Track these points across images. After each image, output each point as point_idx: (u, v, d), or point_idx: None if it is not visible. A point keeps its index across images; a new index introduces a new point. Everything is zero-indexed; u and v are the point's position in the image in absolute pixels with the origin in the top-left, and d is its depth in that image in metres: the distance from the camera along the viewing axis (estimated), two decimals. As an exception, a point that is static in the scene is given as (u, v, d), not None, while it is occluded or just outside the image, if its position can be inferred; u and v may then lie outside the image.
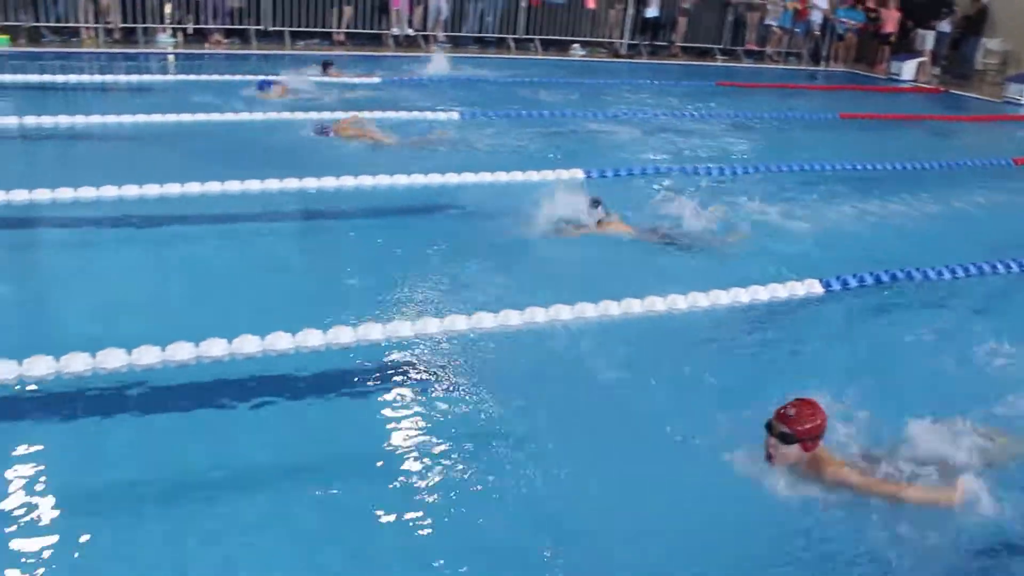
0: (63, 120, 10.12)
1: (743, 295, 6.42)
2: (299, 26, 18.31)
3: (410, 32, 19.03)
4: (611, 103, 14.22)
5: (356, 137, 10.09)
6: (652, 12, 20.45)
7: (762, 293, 6.49)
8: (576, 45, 20.33)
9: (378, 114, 11.25)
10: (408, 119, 11.42)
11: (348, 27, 18.74)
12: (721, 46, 21.65)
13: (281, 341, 5.16)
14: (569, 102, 13.90)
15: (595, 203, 7.53)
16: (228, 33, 18.04)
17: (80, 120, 10.18)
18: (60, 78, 13.08)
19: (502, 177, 9.02)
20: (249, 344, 5.09)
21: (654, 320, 6.01)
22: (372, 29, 18.96)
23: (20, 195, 7.46)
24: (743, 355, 5.73)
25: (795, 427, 4.04)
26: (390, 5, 18.71)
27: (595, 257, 7.06)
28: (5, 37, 16.28)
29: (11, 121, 9.84)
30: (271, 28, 18.13)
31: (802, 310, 6.45)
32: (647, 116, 13.25)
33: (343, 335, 5.33)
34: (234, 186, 8.02)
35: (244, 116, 10.88)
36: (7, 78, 12.35)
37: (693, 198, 8.03)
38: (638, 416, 4.81)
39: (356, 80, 14.08)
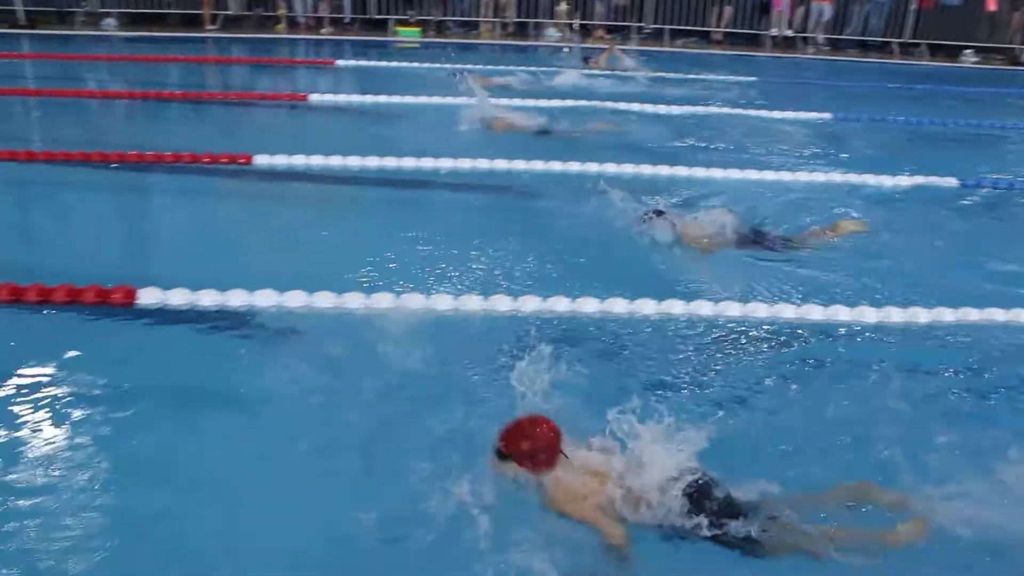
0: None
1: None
2: (679, 24, 18.80)
3: (789, 33, 18.85)
4: (998, 113, 13.22)
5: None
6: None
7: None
8: (968, 51, 18.97)
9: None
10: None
11: (727, 26, 18.95)
12: None
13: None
14: (949, 109, 13.14)
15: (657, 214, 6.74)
16: (610, 29, 18.97)
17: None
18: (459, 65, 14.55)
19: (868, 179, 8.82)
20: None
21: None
22: (751, 29, 19.02)
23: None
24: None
25: (506, 442, 3.61)
26: (771, 5, 18.65)
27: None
28: (417, 29, 18.36)
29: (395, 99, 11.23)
30: (652, 26, 18.80)
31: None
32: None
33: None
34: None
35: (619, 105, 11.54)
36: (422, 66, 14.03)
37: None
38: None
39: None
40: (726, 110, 11.74)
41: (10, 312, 5.59)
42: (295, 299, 5.67)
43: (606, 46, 15.27)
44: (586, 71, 14.19)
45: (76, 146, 8.88)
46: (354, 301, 5.66)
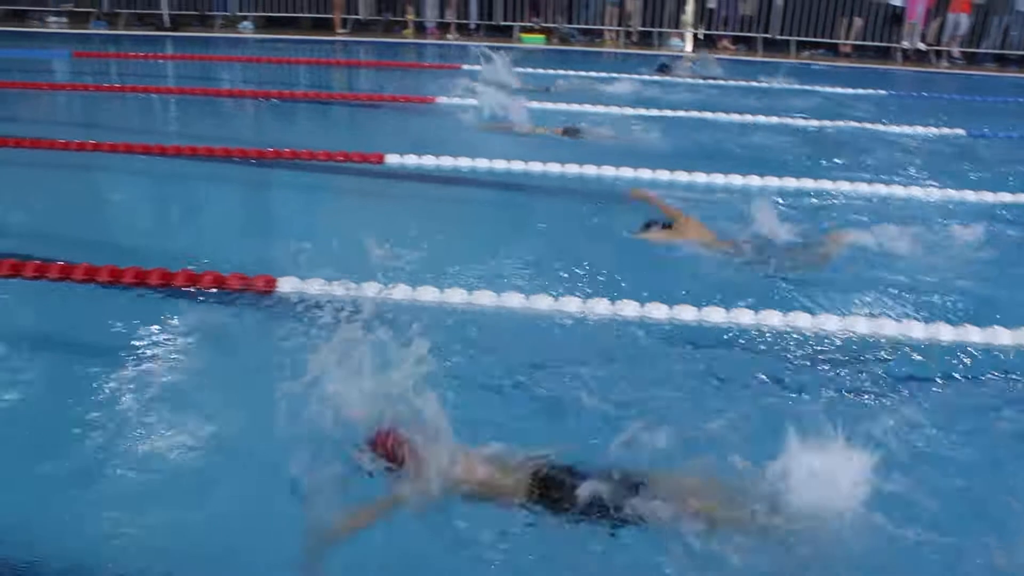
0: (592, 108, 11.46)
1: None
2: (806, 35, 18.46)
3: (921, 47, 18.29)
4: None
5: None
6: None
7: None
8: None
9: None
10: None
11: (856, 39, 18.51)
12: None
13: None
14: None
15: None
16: (735, 40, 18.75)
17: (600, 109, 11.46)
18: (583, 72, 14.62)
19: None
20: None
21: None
22: (881, 42, 18.53)
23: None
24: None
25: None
26: (904, 17, 18.14)
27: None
28: (542, 36, 18.53)
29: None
30: (778, 37, 18.51)
31: None
32: None
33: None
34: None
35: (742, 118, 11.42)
36: (540, 71, 14.17)
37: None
38: None
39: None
40: (851, 124, 11.46)
41: (160, 295, 5.92)
42: (426, 294, 5.83)
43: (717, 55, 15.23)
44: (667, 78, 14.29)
45: (216, 142, 9.32)
46: (484, 298, 5.79)
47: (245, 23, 18.86)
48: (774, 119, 11.41)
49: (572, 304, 5.71)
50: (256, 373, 4.72)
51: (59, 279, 6.03)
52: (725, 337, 5.45)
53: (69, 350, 5.23)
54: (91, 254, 6.40)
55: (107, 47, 16.82)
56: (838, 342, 5.43)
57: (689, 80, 14.28)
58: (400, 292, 5.83)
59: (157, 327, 5.55)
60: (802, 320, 5.56)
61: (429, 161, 8.79)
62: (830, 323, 5.55)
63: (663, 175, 8.58)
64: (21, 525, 3.61)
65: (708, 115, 11.42)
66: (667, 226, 6.75)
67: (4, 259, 6.16)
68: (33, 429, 4.36)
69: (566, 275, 6.20)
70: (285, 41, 17.64)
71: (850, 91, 14.01)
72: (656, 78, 14.20)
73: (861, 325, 5.54)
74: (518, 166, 8.70)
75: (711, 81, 14.30)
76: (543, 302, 5.73)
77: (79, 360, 5.09)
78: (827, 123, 11.39)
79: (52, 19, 19.35)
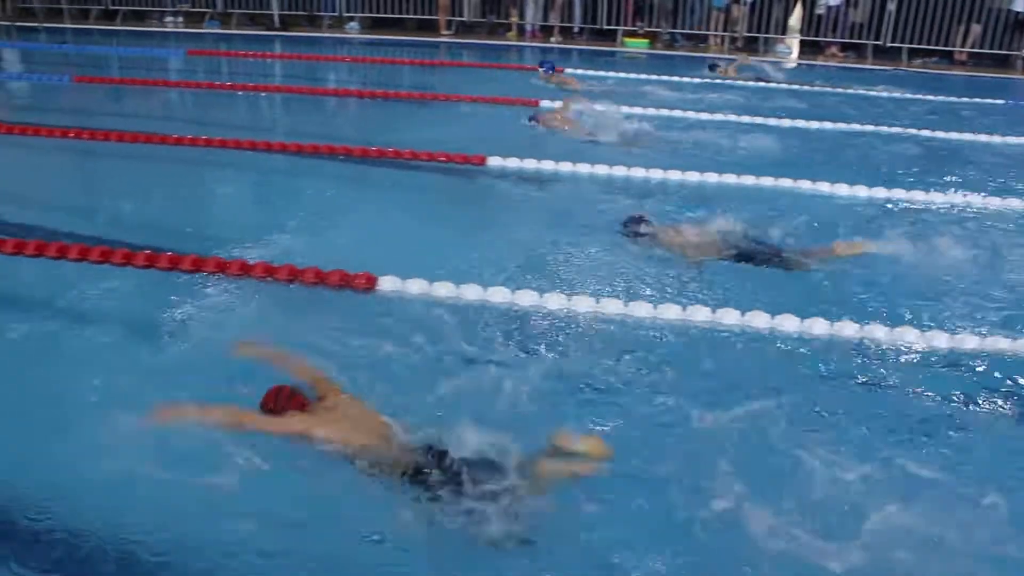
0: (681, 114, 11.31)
1: None
2: (919, 43, 17.85)
3: (1045, 55, 17.49)
4: None
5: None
6: None
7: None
8: None
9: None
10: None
11: (973, 46, 17.81)
12: None
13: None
14: None
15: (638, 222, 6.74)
16: (844, 47, 18.25)
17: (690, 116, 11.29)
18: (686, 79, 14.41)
19: None
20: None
21: None
22: (1000, 50, 17.79)
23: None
24: None
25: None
26: (1027, 23, 17.37)
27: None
28: (646, 41, 18.38)
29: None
30: (889, 44, 17.95)
31: None
32: None
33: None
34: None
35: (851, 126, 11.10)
36: (646, 76, 14.05)
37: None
38: None
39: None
40: (965, 135, 11.02)
41: (263, 285, 6.05)
42: (525, 298, 5.82)
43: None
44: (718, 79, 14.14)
45: (321, 140, 9.49)
46: (582, 304, 5.75)
47: (352, 24, 19.19)
48: (884, 128, 11.05)
49: (671, 311, 5.65)
50: (355, 370, 4.77)
51: (168, 268, 6.24)
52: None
53: (179, 336, 5.37)
54: (198, 245, 6.60)
55: (219, 46, 17.32)
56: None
57: (790, 87, 13.95)
58: (499, 295, 5.84)
59: (262, 319, 5.70)
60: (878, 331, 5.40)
61: (530, 164, 8.79)
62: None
63: (766, 181, 8.45)
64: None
65: (809, 124, 11.13)
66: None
67: (119, 248, 6.41)
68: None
69: (674, 285, 6.16)
70: (390, 42, 17.89)
71: (965, 100, 13.47)
72: (759, 84, 13.93)
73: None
74: (620, 172, 8.64)
75: (816, 88, 13.98)
76: (642, 309, 5.68)
77: (178, 345, 5.24)
78: (940, 134, 10.98)
79: (169, 19, 20.05)
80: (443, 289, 5.92)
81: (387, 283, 6.00)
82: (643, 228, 6.69)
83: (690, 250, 6.54)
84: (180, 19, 20.02)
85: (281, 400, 4.15)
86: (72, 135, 9.78)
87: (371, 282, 6.01)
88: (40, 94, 13.50)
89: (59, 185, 8.83)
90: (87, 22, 20.06)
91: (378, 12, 19.26)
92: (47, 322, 5.61)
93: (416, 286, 5.97)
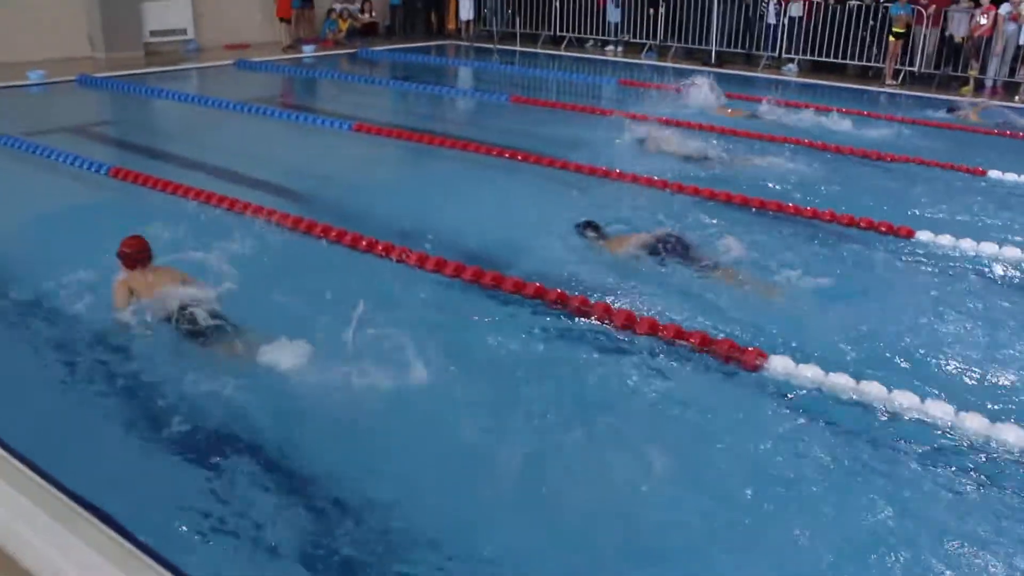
0: None
1: None
2: None
3: None
4: None
5: None
6: None
7: None
8: None
9: None
10: None
11: None
12: None
13: None
14: None
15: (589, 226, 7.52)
16: None
17: None
18: None
19: None
20: None
21: None
22: None
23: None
24: None
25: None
26: None
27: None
28: None
29: None
30: None
31: None
32: None
33: None
34: None
35: None
36: None
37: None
38: None
39: None
40: None
41: (642, 341, 5.74)
42: (938, 409, 4.96)
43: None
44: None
45: (718, 186, 9.09)
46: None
47: (790, 66, 18.50)
48: None
49: None
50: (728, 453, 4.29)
51: (554, 305, 6.18)
52: None
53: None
54: (572, 288, 6.49)
55: (651, 77, 17.47)
56: None
57: None
58: (906, 399, 5.03)
59: (637, 373, 5.42)
60: None
61: (967, 245, 7.65)
62: None
63: None
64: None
65: None
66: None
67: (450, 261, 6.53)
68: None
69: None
70: (826, 88, 16.92)
71: None
72: None
73: None
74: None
75: None
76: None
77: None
78: None
79: (609, 47, 20.72)
80: (841, 380, 5.23)
81: (778, 363, 5.42)
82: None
83: None
84: (620, 48, 20.60)
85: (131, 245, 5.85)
86: (507, 155, 10.33)
87: (760, 359, 5.47)
88: (480, 111, 14.48)
89: (484, 202, 9.17)
90: (535, 46, 21.33)
91: (820, 55, 18.36)
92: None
93: (810, 372, 5.33)
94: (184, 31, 19.67)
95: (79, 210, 7.56)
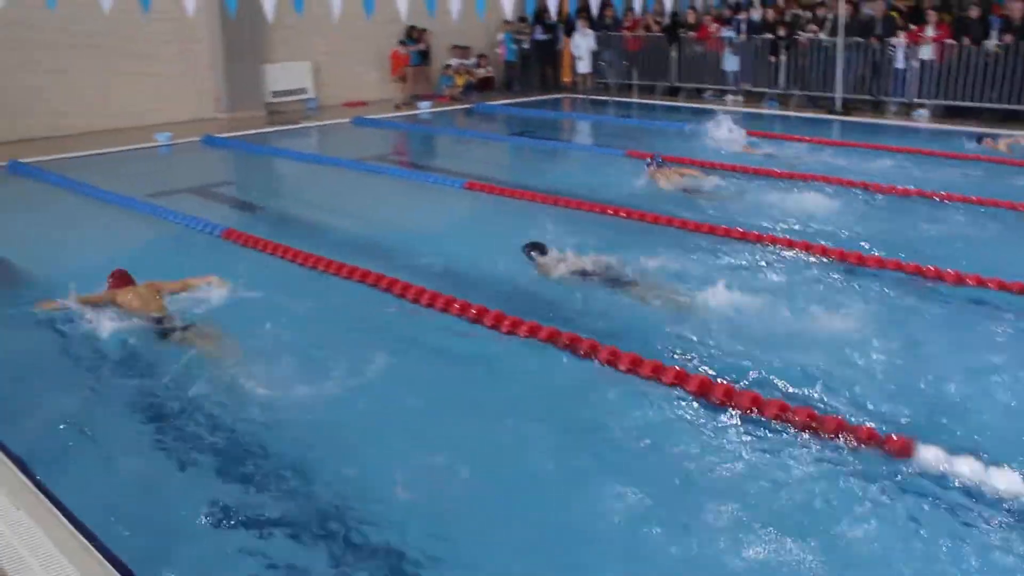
0: None
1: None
2: None
3: None
4: None
5: None
6: None
7: None
8: None
9: None
10: None
11: None
12: None
13: None
14: None
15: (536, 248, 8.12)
16: None
17: None
18: None
19: None
20: None
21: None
22: None
23: None
24: None
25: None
26: None
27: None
28: None
29: None
30: None
31: None
32: None
33: None
34: None
35: None
36: None
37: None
38: None
39: None
40: None
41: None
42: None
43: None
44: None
45: (875, 245, 8.44)
46: None
47: (920, 111, 17.55)
48: None
49: None
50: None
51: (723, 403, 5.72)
52: None
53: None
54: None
55: (772, 127, 16.83)
56: None
57: None
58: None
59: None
60: None
61: None
62: None
63: None
64: None
65: None
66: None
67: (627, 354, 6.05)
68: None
69: None
70: (961, 133, 15.76)
71: None
72: None
73: None
74: None
75: None
76: None
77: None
78: None
79: (729, 97, 20.18)
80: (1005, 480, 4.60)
81: (929, 454, 4.82)
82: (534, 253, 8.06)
83: None
84: (740, 98, 20.03)
85: (115, 276, 7.11)
86: (620, 212, 10.06)
87: (907, 449, 4.88)
88: (594, 165, 14.16)
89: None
90: (652, 97, 20.97)
91: (955, 99, 17.36)
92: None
93: (967, 466, 4.72)
94: (304, 90, 20.14)
95: (183, 273, 7.53)
